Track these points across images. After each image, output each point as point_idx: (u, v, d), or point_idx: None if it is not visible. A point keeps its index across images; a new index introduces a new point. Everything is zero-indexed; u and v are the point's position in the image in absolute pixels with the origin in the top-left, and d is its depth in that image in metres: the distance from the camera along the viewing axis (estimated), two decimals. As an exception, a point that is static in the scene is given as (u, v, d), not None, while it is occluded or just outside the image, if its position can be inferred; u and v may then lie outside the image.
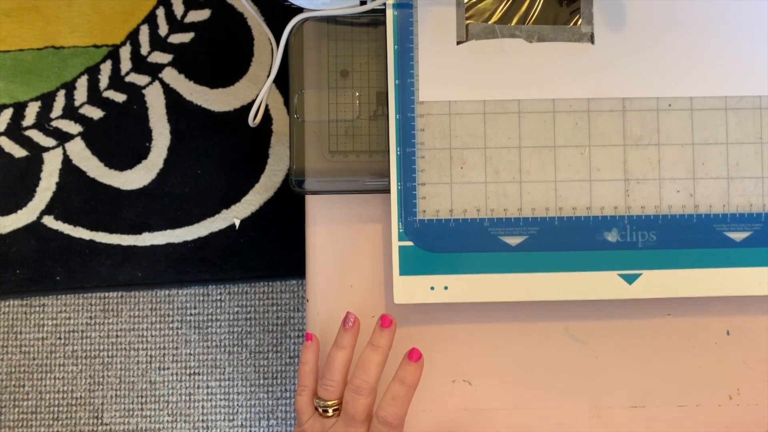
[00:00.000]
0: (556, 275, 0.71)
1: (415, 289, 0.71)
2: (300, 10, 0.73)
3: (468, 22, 0.72)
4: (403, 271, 0.71)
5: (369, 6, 0.71)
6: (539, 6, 0.72)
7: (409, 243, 0.71)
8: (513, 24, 0.72)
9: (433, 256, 0.71)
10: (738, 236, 0.71)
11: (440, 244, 0.71)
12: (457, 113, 0.71)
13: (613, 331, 0.74)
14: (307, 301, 0.76)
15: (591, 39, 0.72)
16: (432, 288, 0.71)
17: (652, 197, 0.71)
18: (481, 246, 0.71)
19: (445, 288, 0.71)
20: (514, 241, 0.71)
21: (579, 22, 0.72)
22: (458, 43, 0.72)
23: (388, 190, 0.72)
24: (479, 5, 0.72)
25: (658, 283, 0.71)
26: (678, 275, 0.71)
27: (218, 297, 1.52)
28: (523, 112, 0.71)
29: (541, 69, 0.71)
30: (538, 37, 0.71)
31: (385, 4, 0.72)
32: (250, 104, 1.52)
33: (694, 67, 0.72)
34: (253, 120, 0.77)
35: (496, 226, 0.71)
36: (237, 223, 1.51)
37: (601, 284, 0.71)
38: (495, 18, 0.72)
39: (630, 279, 0.71)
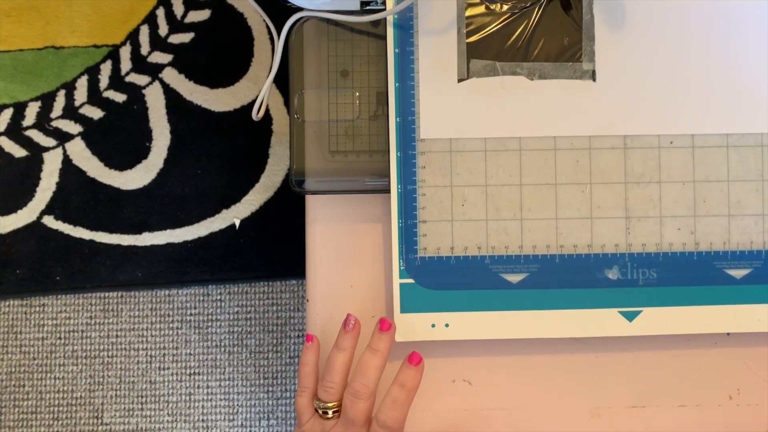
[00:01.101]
0: (557, 312, 0.71)
1: (416, 327, 0.71)
2: (300, 9, 0.73)
3: (469, 59, 0.72)
4: (404, 309, 0.71)
5: (369, 18, 0.71)
6: (541, 43, 0.71)
7: (410, 280, 0.71)
8: (514, 61, 0.71)
9: (434, 293, 0.71)
10: (738, 273, 0.71)
11: (441, 282, 0.71)
12: (458, 151, 0.71)
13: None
14: (307, 301, 0.76)
15: (592, 76, 0.71)
16: (433, 325, 0.71)
17: (652, 235, 0.71)
18: (482, 283, 0.71)
19: (446, 325, 0.71)
20: (514, 278, 0.71)
21: (581, 60, 0.71)
22: (459, 80, 0.71)
23: (388, 190, 0.72)
24: (480, 42, 0.72)
25: (659, 320, 0.71)
26: (678, 312, 0.71)
27: (218, 297, 1.52)
28: (524, 149, 0.71)
29: (542, 106, 0.71)
30: (539, 74, 0.71)
31: (385, 20, 0.72)
32: (250, 104, 1.52)
33: (695, 104, 0.71)
34: (257, 114, 0.77)
35: (497, 263, 0.71)
36: (237, 223, 1.51)
37: (602, 321, 0.71)
38: (496, 54, 0.71)
39: (630, 316, 0.71)
